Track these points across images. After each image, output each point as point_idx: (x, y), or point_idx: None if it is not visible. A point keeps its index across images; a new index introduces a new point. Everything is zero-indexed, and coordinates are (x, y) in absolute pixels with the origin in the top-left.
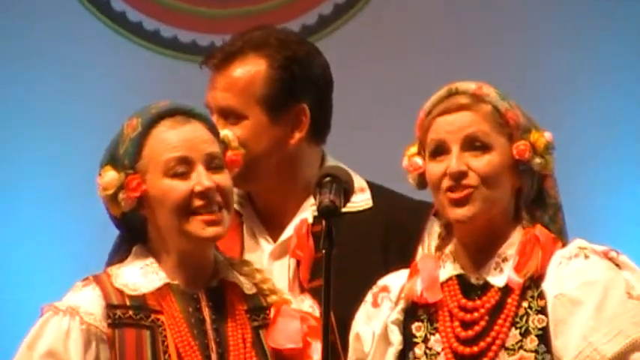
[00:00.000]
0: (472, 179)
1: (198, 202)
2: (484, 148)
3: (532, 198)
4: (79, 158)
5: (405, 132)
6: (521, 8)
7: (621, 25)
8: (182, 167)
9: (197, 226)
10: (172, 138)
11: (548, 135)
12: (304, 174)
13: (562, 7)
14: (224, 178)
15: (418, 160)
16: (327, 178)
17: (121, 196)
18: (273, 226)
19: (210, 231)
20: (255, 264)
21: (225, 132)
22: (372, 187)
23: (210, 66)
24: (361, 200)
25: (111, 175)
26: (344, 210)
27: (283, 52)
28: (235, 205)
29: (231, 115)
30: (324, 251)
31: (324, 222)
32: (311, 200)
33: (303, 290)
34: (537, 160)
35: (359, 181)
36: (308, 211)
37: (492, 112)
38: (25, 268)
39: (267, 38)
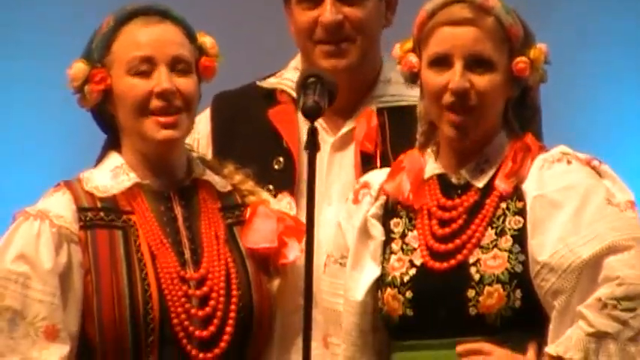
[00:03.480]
0: (473, 99)
1: (156, 103)
2: (487, 66)
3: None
4: None
5: None
6: None
7: None
8: (144, 66)
9: (151, 127)
10: (140, 36)
11: (544, 48)
12: (378, 60)
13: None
14: (187, 82)
15: (413, 59)
16: (312, 79)
17: (86, 89)
18: (330, 115)
19: (164, 133)
20: (235, 165)
21: (205, 38)
22: None
23: None
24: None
25: (78, 68)
26: (405, 103)
27: None
28: (290, 91)
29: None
30: (307, 151)
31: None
32: (374, 91)
33: None
34: (534, 75)
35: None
36: (372, 103)
37: (496, 27)
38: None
39: None
